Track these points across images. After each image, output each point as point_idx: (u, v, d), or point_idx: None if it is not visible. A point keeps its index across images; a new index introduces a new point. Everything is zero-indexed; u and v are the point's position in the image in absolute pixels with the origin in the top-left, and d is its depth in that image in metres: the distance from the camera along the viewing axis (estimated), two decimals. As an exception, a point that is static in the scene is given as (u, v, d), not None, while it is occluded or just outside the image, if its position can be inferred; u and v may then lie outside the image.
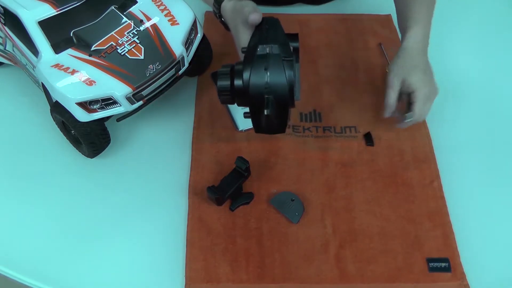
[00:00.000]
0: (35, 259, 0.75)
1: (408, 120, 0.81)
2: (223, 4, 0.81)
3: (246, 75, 0.68)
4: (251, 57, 0.69)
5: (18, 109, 0.91)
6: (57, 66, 0.76)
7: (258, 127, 0.72)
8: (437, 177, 0.82)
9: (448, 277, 0.73)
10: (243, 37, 0.75)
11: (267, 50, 0.68)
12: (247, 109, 0.73)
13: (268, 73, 0.67)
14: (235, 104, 0.73)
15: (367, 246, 0.76)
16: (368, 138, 0.86)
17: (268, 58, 0.68)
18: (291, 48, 0.71)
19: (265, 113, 0.67)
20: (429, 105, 0.82)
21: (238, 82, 0.69)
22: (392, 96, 0.82)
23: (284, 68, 0.67)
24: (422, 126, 0.88)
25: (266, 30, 0.73)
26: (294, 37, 0.74)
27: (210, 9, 0.84)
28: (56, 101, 0.77)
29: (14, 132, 0.88)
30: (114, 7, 0.81)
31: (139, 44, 0.79)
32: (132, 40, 0.79)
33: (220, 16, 0.82)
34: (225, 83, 0.70)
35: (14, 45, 0.82)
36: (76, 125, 0.77)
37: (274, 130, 0.72)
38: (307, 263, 0.74)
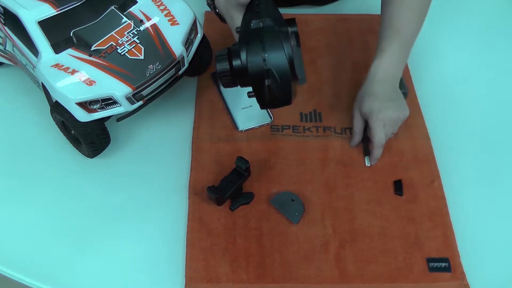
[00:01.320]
0: (35, 259, 0.75)
1: (371, 159, 0.83)
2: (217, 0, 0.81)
3: (243, 53, 0.67)
4: (246, 34, 0.68)
5: (18, 109, 0.91)
6: (57, 66, 0.76)
7: (262, 102, 0.70)
8: (437, 177, 0.82)
9: (448, 277, 0.73)
10: (237, 18, 0.75)
11: (260, 24, 0.68)
12: (247, 104, 0.72)
13: (265, 46, 0.66)
14: (238, 86, 0.71)
15: (367, 246, 0.76)
16: (398, 187, 0.81)
17: (262, 32, 0.67)
18: (290, 31, 0.70)
19: (266, 83, 0.66)
20: (391, 129, 0.82)
21: (236, 62, 0.68)
22: (356, 124, 0.84)
23: (281, 38, 0.66)
24: (421, 126, 0.88)
25: (257, 6, 0.73)
26: (291, 21, 0.74)
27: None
28: (56, 101, 0.77)
29: (14, 132, 0.88)
30: (114, 7, 0.81)
31: (139, 44, 0.79)
32: (132, 40, 0.79)
33: (215, 8, 0.82)
34: (224, 65, 0.69)
35: (14, 45, 0.82)
36: (76, 125, 0.77)
37: (279, 103, 0.70)
38: (307, 263, 0.74)
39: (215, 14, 0.83)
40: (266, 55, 0.66)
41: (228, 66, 0.69)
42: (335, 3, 1.11)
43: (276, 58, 0.66)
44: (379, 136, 0.80)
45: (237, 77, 0.70)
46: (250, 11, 0.72)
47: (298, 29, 0.74)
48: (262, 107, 0.71)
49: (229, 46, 0.70)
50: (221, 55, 0.69)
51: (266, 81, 0.66)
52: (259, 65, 0.66)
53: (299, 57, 0.72)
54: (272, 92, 0.67)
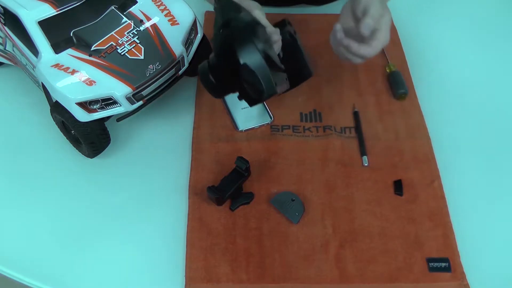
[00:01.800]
0: (35, 259, 0.75)
1: (366, 25, 0.77)
2: None
3: (219, 59, 0.69)
4: (218, 40, 0.70)
5: (18, 109, 0.91)
6: (57, 66, 0.76)
7: (249, 99, 0.72)
8: (437, 177, 0.82)
9: (448, 277, 0.73)
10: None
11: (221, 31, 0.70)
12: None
13: (236, 42, 0.67)
14: (230, 94, 0.73)
15: (367, 246, 0.76)
16: (398, 187, 0.81)
17: (232, 32, 0.69)
18: (288, 32, 0.71)
19: (243, 77, 0.68)
20: (385, 23, 0.78)
21: (216, 69, 0.71)
22: (343, 22, 0.80)
23: (249, 33, 0.68)
24: (421, 126, 0.88)
25: (220, 9, 0.74)
26: (282, 23, 0.75)
27: (210, 9, 0.84)
28: (56, 101, 0.77)
29: (14, 132, 0.88)
30: (114, 7, 0.81)
31: (139, 44, 0.79)
32: (132, 40, 0.79)
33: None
34: (208, 80, 0.71)
35: (14, 45, 0.82)
36: (76, 125, 0.77)
37: (262, 94, 0.71)
38: (307, 263, 0.74)
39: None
40: (237, 50, 0.67)
41: (211, 77, 0.71)
42: (334, 2, 1.11)
43: (248, 51, 0.67)
44: (376, 7, 0.77)
45: (223, 87, 0.72)
46: (217, 17, 0.75)
47: (293, 28, 0.75)
48: (251, 104, 0.73)
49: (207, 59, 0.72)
50: (203, 71, 0.72)
51: (243, 73, 0.67)
52: (230, 61, 0.67)
53: (303, 50, 0.72)
54: (254, 84, 0.68)
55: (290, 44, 0.83)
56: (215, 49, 0.71)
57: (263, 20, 0.78)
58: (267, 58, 0.68)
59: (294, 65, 0.84)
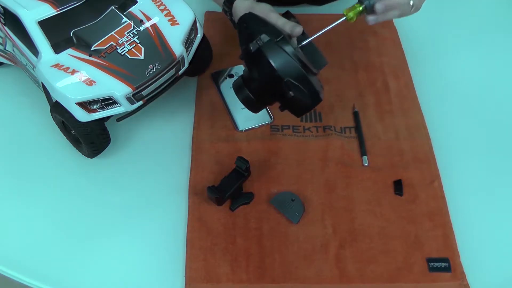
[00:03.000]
0: (35, 259, 0.75)
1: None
2: (236, 3, 0.83)
3: (255, 75, 0.69)
4: (249, 57, 0.70)
5: (18, 109, 0.91)
6: (57, 66, 0.76)
7: (296, 111, 0.73)
8: (437, 177, 0.82)
9: (448, 277, 0.73)
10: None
11: (258, 43, 0.69)
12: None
13: (271, 61, 0.68)
14: (263, 109, 0.76)
15: (367, 246, 0.76)
16: (398, 187, 0.81)
17: (262, 50, 0.69)
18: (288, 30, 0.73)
19: (290, 95, 0.68)
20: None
21: (254, 85, 0.71)
22: None
23: (281, 47, 0.69)
24: (421, 126, 0.88)
25: (245, 28, 0.75)
26: (286, 15, 0.75)
27: (210, 9, 0.84)
28: (56, 101, 0.77)
29: (14, 132, 0.88)
30: (114, 7, 0.81)
31: (139, 44, 0.79)
32: (132, 40, 0.79)
33: (231, 15, 0.83)
34: (245, 94, 0.73)
35: (14, 45, 0.82)
36: (76, 125, 0.77)
37: (311, 104, 0.72)
38: (307, 263, 0.74)
39: (229, 21, 0.85)
40: (276, 67, 0.68)
41: (249, 93, 0.72)
42: (334, 2, 1.11)
43: (286, 67, 0.68)
44: None
45: (261, 99, 0.73)
46: (242, 35, 0.75)
47: (296, 19, 0.75)
48: (298, 115, 0.75)
49: (241, 74, 0.73)
50: (238, 85, 0.73)
51: (289, 93, 0.68)
52: (274, 79, 0.68)
53: (313, 45, 0.73)
54: (301, 99, 0.69)
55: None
56: (248, 66, 0.72)
57: (280, 20, 0.79)
58: (304, 66, 0.69)
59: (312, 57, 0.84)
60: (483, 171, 0.85)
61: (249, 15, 0.77)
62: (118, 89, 0.76)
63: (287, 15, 0.81)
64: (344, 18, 0.75)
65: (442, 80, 0.97)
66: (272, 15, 0.80)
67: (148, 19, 0.82)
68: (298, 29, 0.78)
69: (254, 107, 0.75)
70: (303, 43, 0.76)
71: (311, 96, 0.70)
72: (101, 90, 0.75)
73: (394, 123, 0.89)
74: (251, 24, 0.75)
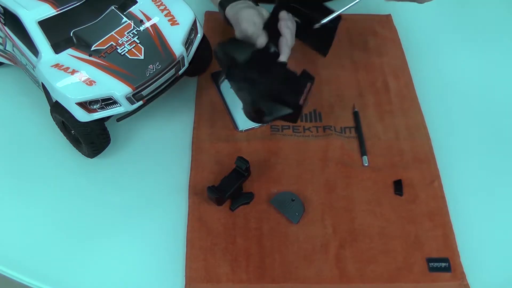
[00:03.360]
0: (35, 259, 0.75)
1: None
2: (227, 11, 0.84)
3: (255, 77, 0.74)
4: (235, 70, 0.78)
5: (18, 109, 0.91)
6: (57, 66, 0.76)
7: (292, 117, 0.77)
8: (437, 177, 0.82)
9: (448, 277, 0.73)
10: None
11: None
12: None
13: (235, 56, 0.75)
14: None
15: (367, 246, 0.76)
16: (398, 187, 0.81)
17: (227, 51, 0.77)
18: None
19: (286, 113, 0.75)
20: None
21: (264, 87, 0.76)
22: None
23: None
24: (421, 126, 0.89)
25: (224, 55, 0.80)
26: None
27: (210, 9, 0.85)
28: (56, 101, 0.77)
29: (14, 132, 0.88)
30: (114, 7, 0.81)
31: (139, 44, 0.79)
32: (132, 40, 0.79)
33: (227, 20, 0.84)
34: (279, 108, 0.75)
35: (14, 45, 0.82)
36: (76, 125, 0.77)
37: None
38: (307, 263, 0.74)
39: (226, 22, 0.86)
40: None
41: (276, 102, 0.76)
42: (335, 2, 1.10)
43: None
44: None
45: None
46: (222, 62, 0.80)
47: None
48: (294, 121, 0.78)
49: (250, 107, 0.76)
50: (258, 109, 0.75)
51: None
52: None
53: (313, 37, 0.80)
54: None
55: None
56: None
57: (250, 29, 0.79)
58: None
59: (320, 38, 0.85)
60: (483, 171, 0.85)
61: (221, 47, 0.80)
62: (118, 89, 0.76)
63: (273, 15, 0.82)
64: None
65: (442, 80, 0.97)
66: (246, 25, 0.80)
67: (148, 19, 0.82)
68: (260, 40, 0.79)
69: (264, 119, 0.76)
70: (323, 21, 0.81)
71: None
72: (101, 90, 0.75)
73: (394, 123, 0.89)
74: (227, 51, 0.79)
